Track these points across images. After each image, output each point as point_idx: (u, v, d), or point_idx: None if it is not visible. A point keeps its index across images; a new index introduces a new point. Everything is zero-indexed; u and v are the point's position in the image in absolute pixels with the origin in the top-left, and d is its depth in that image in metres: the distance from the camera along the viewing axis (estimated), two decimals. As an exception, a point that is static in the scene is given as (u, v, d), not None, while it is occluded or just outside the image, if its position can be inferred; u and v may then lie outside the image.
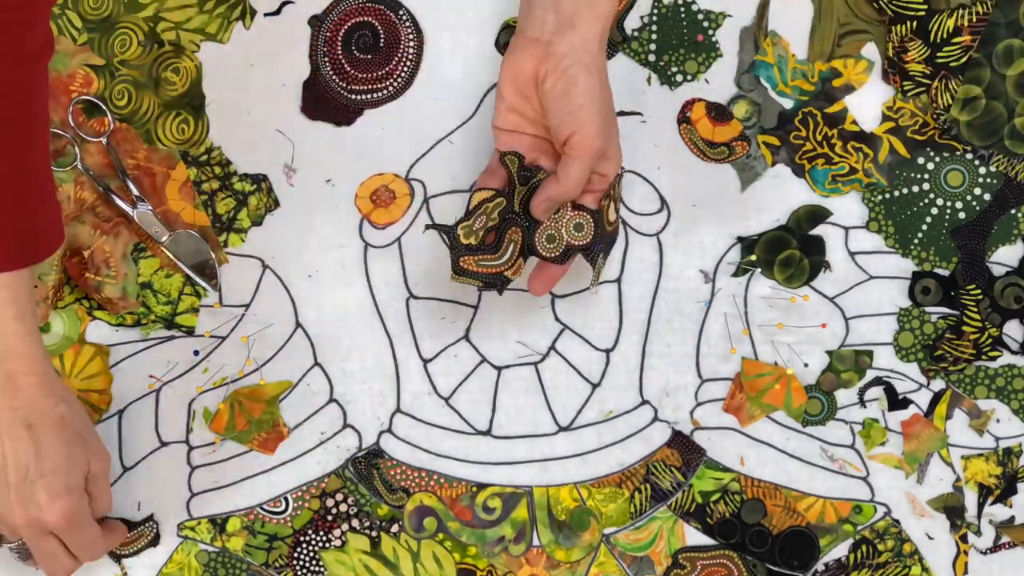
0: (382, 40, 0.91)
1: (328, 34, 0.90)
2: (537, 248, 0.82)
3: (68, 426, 0.78)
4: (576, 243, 0.82)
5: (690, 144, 0.90)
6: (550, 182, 0.80)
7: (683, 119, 0.90)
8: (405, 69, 0.91)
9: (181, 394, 0.89)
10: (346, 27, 0.90)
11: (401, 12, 0.90)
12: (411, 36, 0.90)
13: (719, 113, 0.90)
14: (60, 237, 0.78)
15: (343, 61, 0.90)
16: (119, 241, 0.88)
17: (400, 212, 0.90)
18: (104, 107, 0.88)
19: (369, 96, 0.90)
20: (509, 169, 0.81)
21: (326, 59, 0.90)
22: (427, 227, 0.83)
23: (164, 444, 0.89)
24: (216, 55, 0.90)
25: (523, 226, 0.82)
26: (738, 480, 0.89)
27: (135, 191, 0.87)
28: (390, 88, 0.91)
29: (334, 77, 0.90)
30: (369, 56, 0.90)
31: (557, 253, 0.82)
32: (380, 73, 0.91)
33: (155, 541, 0.87)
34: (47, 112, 0.77)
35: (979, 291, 0.90)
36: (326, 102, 0.90)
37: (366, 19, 0.90)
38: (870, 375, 0.90)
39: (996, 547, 0.90)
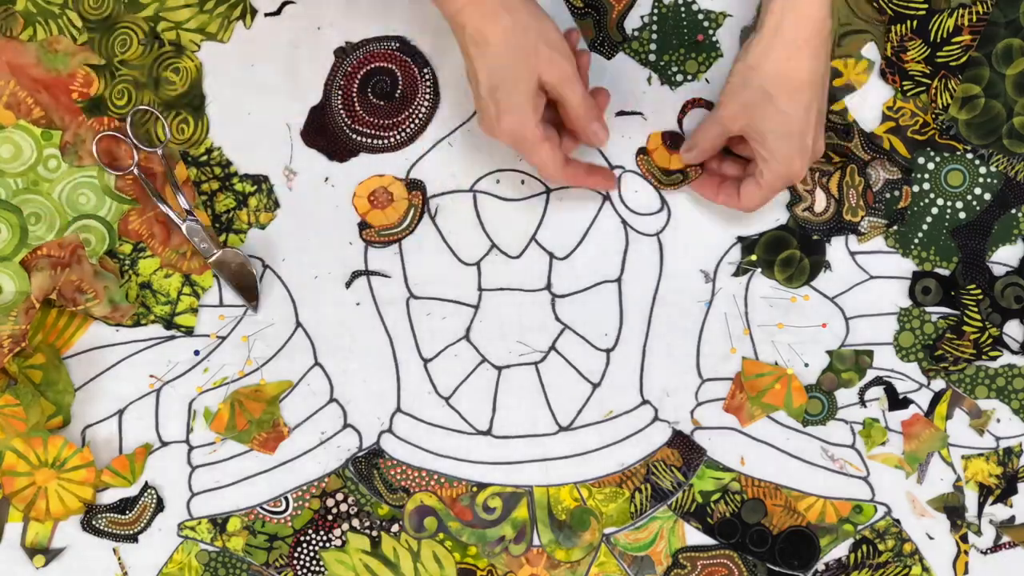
0: (399, 91, 0.90)
1: (349, 69, 0.90)
2: None
3: (510, 41, 0.78)
4: None
5: (647, 174, 0.90)
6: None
7: (640, 151, 0.90)
8: (412, 126, 0.90)
9: (181, 394, 0.89)
10: (368, 68, 0.90)
11: (425, 71, 0.90)
12: (428, 95, 0.90)
13: (674, 143, 0.90)
14: None
15: (355, 100, 0.90)
16: (81, 265, 0.87)
17: (397, 216, 0.89)
18: (163, 121, 0.88)
19: (369, 141, 0.90)
20: None
21: (339, 92, 0.90)
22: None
23: (164, 444, 0.89)
24: (216, 55, 0.90)
25: None
26: (738, 480, 0.89)
27: (185, 204, 0.87)
28: (392, 139, 0.90)
29: (342, 112, 0.90)
30: (382, 103, 0.90)
31: None
32: (387, 122, 0.90)
33: None
34: None
35: (979, 291, 0.90)
36: (327, 133, 0.90)
37: (390, 66, 0.90)
38: (870, 375, 0.90)
39: (996, 547, 0.90)
